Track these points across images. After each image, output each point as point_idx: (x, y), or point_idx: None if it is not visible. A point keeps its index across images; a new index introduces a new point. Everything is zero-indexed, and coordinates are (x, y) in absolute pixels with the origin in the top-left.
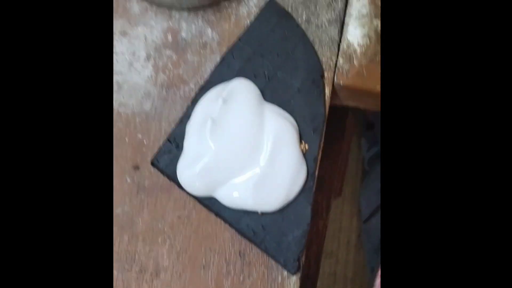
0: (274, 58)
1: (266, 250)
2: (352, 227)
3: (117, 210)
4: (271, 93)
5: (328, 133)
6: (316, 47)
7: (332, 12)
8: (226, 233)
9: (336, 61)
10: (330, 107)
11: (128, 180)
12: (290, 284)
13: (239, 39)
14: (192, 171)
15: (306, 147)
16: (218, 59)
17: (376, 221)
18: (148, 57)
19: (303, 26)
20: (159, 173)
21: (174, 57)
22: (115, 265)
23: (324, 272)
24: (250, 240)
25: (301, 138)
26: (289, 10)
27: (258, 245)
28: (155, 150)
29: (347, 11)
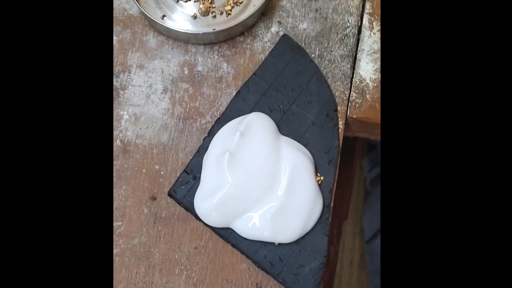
0: (288, 93)
1: (283, 283)
2: (355, 247)
3: (134, 241)
4: (286, 126)
5: (340, 163)
6: (329, 81)
7: (345, 48)
8: (243, 264)
9: (349, 95)
10: (342, 138)
11: (145, 210)
12: None
13: (254, 74)
14: (210, 203)
15: (322, 178)
16: (233, 92)
17: (379, 242)
18: (165, 90)
19: (316, 61)
20: (176, 204)
21: (191, 90)
22: None
23: None
24: (267, 272)
25: (316, 170)
26: (303, 45)
27: (275, 277)
28: (172, 181)
29: (359, 46)
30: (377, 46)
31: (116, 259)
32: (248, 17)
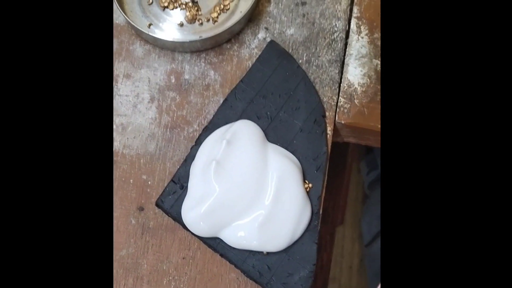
0: (276, 99)
1: None
2: (354, 251)
3: (121, 252)
4: (274, 133)
5: (331, 168)
6: (317, 87)
7: (332, 53)
8: (232, 274)
9: (337, 100)
10: (332, 143)
11: (133, 221)
12: None
13: (242, 81)
14: (197, 212)
15: (310, 185)
16: (221, 100)
17: (378, 245)
18: (152, 99)
19: (303, 67)
20: (163, 214)
21: (178, 98)
22: None
23: None
24: (256, 281)
25: (304, 177)
26: (290, 51)
27: (264, 286)
28: (160, 191)
29: (347, 51)
30: (365, 50)
31: None
32: (234, 24)
